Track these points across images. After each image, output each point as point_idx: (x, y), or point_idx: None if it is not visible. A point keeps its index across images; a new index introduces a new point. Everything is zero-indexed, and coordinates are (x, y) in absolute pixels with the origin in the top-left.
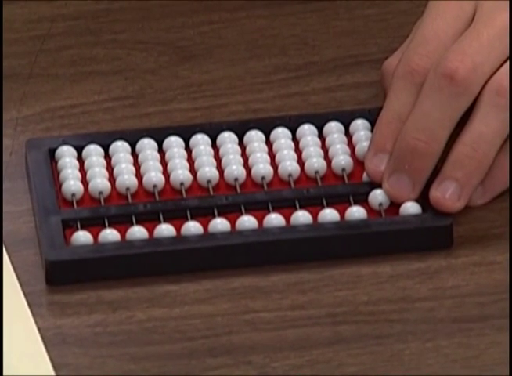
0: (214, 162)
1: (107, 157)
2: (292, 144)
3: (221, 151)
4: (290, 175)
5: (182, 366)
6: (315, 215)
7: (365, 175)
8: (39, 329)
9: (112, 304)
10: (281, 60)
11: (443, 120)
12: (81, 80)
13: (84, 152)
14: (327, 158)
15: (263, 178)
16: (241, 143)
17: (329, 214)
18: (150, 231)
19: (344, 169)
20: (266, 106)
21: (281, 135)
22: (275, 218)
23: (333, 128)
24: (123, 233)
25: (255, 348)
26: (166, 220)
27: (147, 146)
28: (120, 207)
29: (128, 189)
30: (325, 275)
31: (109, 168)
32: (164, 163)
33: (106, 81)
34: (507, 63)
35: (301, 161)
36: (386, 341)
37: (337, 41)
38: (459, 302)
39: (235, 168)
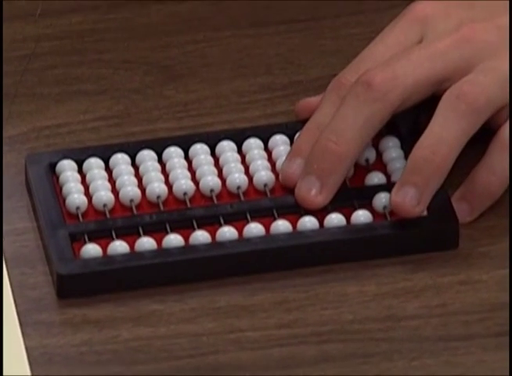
0: (216, 171)
1: (108, 169)
2: None
3: (221, 160)
4: None
5: None
6: (321, 220)
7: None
8: (26, 349)
9: (97, 323)
10: (266, 79)
11: (356, 124)
12: (67, 99)
13: (85, 165)
14: None
15: (265, 185)
16: (239, 152)
17: (335, 218)
18: (158, 242)
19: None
20: (252, 126)
21: (279, 142)
22: (281, 225)
23: None
24: (131, 245)
25: (241, 367)
26: (173, 230)
27: (147, 157)
28: (126, 219)
29: (132, 200)
30: (310, 294)
31: (111, 180)
32: (165, 173)
33: (92, 101)
34: (473, 73)
35: None
36: (372, 360)
37: (322, 60)
38: (445, 321)
39: (237, 176)
